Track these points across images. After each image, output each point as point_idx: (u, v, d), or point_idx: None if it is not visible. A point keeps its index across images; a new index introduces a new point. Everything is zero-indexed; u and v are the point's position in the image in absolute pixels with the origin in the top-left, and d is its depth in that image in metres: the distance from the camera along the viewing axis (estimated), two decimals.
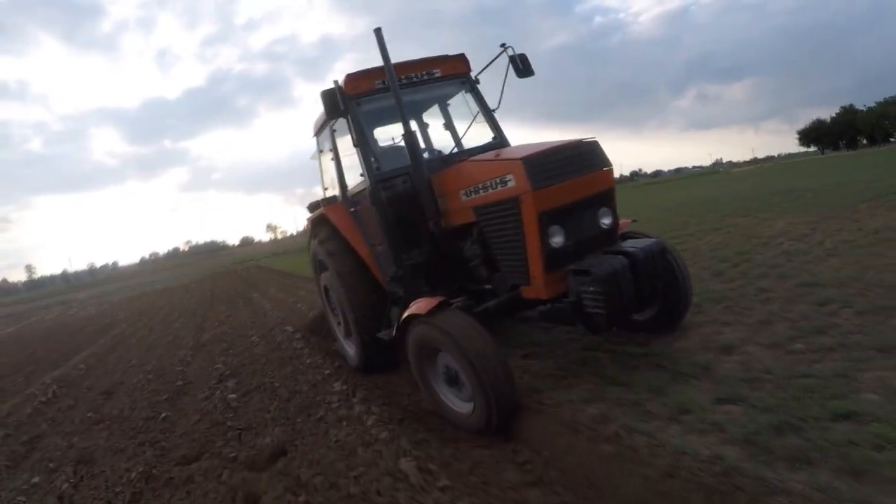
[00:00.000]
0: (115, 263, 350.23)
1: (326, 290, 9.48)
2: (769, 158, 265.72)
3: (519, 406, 5.38)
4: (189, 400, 8.70)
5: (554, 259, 5.68)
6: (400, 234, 7.19)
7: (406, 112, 6.67)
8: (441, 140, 8.76)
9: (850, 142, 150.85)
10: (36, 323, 38.53)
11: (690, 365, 5.78)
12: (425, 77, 7.83)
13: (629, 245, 5.93)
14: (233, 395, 8.26)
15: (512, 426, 5.19)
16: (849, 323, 6.19)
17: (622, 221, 6.47)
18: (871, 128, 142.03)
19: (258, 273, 46.27)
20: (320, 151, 9.60)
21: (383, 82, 7.30)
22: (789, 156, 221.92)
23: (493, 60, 7.54)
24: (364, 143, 7.38)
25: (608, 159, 6.09)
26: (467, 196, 6.41)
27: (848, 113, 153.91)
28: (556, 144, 5.89)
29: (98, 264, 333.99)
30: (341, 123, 7.84)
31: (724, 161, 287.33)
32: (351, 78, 7.42)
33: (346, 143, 7.96)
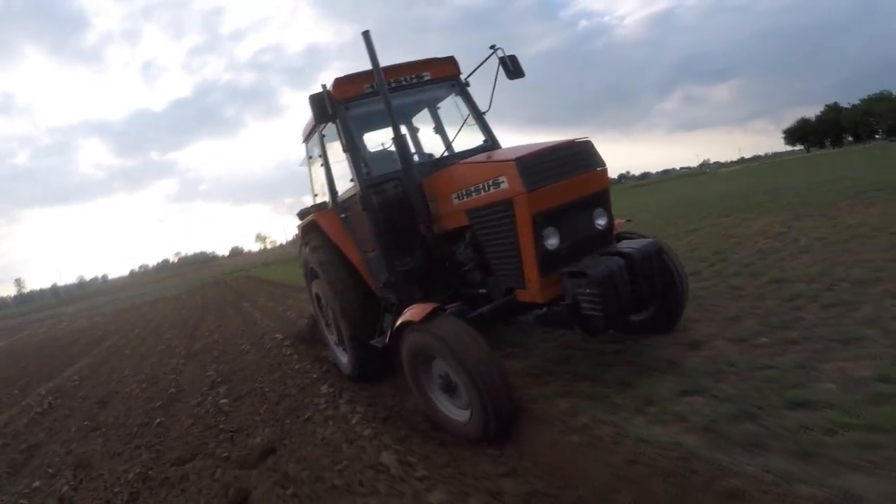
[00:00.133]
0: (104, 276, 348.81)
1: (318, 297, 9.36)
2: (756, 158, 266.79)
3: (517, 413, 5.34)
4: (182, 406, 8.92)
5: (549, 261, 5.60)
6: (392, 240, 7.08)
7: (396, 116, 6.59)
8: (431, 144, 8.65)
9: (836, 140, 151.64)
10: (27, 337, 38.45)
11: (659, 360, 6.07)
12: (414, 80, 7.74)
13: (625, 246, 5.92)
14: (224, 400, 8.51)
15: (511, 434, 5.14)
16: (814, 317, 6.45)
17: (617, 222, 6.40)
18: (856, 125, 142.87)
19: (248, 283, 46.41)
20: (309, 158, 9.45)
21: (372, 86, 7.26)
22: (776, 155, 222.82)
23: (482, 62, 7.46)
24: (354, 148, 7.30)
25: (602, 159, 6.01)
26: (459, 199, 6.31)
27: (833, 111, 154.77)
28: (549, 145, 5.80)
29: (87, 277, 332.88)
30: (330, 129, 7.73)
31: (712, 161, 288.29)
32: (339, 82, 7.31)
33: (335, 149, 7.95)
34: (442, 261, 7.00)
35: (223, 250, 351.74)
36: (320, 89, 6.82)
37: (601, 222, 5.93)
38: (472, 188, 6.05)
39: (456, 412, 5.58)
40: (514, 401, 5.31)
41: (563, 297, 5.61)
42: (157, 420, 8.28)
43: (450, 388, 5.51)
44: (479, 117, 7.95)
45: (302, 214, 9.59)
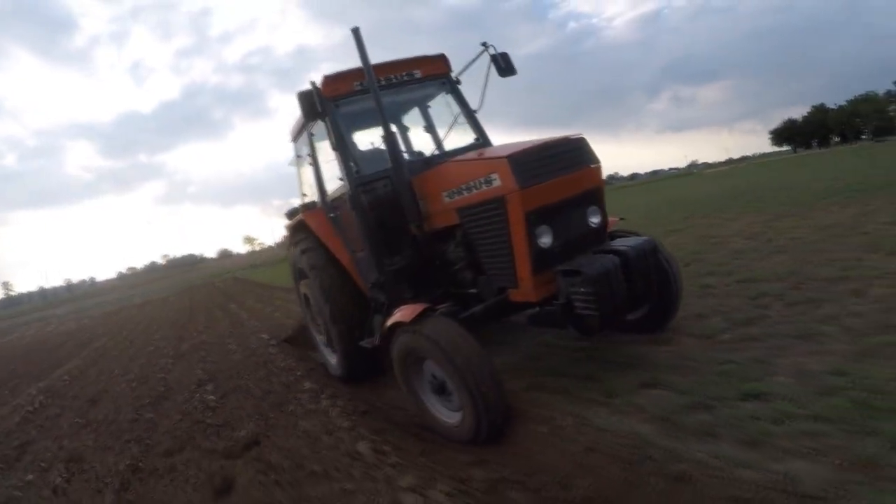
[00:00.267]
0: (92, 279, 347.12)
1: (306, 298, 9.24)
2: (744, 158, 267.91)
3: (510, 415, 5.24)
4: (170, 403, 9.10)
5: (542, 260, 5.52)
6: (381, 239, 6.98)
7: (385, 114, 6.48)
8: (421, 144, 8.52)
9: (822, 140, 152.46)
10: (15, 339, 38.48)
11: (624, 356, 6.39)
12: (405, 78, 7.65)
13: (620, 244, 5.83)
14: (211, 397, 8.70)
15: (503, 436, 5.10)
16: (777, 314, 6.76)
17: (610, 219, 6.30)
18: (842, 126, 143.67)
19: (236, 285, 46.38)
20: (298, 157, 9.31)
21: (362, 84, 7.15)
22: (764, 155, 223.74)
23: (474, 60, 7.42)
24: (343, 147, 7.16)
25: (596, 156, 5.92)
26: (450, 197, 6.20)
27: (819, 112, 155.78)
28: (542, 141, 5.70)
29: (75, 280, 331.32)
30: (319, 127, 7.66)
31: (700, 162, 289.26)
32: (328, 79, 7.20)
33: (324, 148, 7.88)
34: (432, 260, 6.91)
35: (211, 252, 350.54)
36: (309, 87, 6.70)
37: (595, 220, 5.89)
38: (464, 186, 5.96)
39: (447, 414, 5.50)
40: (507, 403, 5.20)
41: (556, 296, 5.55)
42: (147, 416, 8.47)
43: (441, 390, 5.42)
44: (470, 116, 7.90)
45: (290, 214, 9.49)
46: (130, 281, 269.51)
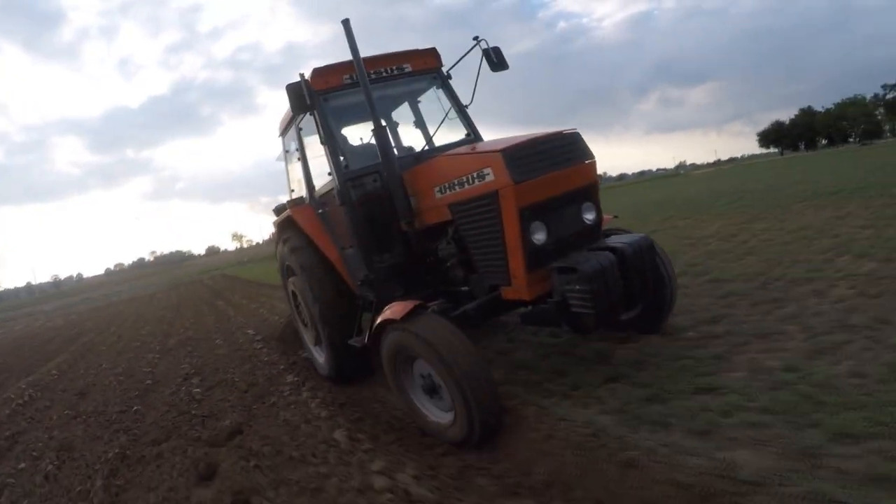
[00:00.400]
0: (79, 275, 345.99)
1: (294, 295, 9.00)
2: (732, 160, 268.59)
3: (502, 416, 5.15)
4: (157, 395, 9.36)
5: (536, 257, 5.39)
6: (371, 236, 6.84)
7: (376, 107, 6.34)
8: (411, 138, 8.46)
9: (809, 143, 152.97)
10: (3, 335, 38.41)
11: (591, 352, 6.63)
12: (395, 72, 7.49)
13: (615, 241, 5.70)
14: (197, 390, 8.97)
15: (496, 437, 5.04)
16: (741, 313, 7.03)
17: (605, 217, 6.17)
18: (829, 129, 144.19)
19: (223, 282, 46.48)
20: (286, 152, 9.23)
21: (352, 77, 7.03)
22: (752, 157, 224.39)
23: (465, 54, 7.27)
24: (332, 141, 7.03)
25: (591, 151, 5.82)
26: (442, 193, 6.07)
27: (806, 115, 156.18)
28: (536, 136, 5.58)
29: (62, 276, 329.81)
30: (308, 122, 7.54)
31: (688, 163, 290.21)
32: (318, 72, 7.04)
33: (313, 143, 7.73)
34: (423, 257, 6.81)
35: (199, 249, 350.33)
36: (298, 78, 6.55)
37: (590, 217, 5.81)
38: (456, 181, 5.83)
39: (438, 414, 5.40)
40: (500, 404, 5.14)
41: (550, 294, 5.45)
42: (134, 408, 8.73)
43: (432, 390, 5.31)
44: (461, 111, 7.80)
45: (278, 210, 9.32)
46: (118, 277, 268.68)
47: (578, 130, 5.79)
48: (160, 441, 6.95)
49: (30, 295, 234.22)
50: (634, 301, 5.71)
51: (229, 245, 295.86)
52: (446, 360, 4.83)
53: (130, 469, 6.27)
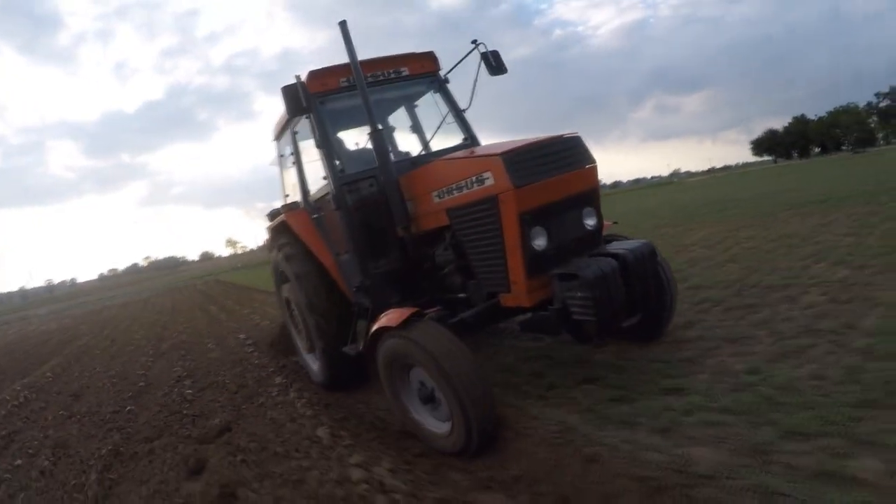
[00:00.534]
0: (73, 280, 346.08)
1: (288, 302, 8.91)
2: (726, 168, 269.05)
3: (499, 425, 5.09)
4: (150, 397, 9.61)
5: (536, 263, 5.27)
6: (366, 241, 6.73)
7: (373, 110, 6.23)
8: (407, 144, 8.44)
9: (803, 151, 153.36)
10: None
11: (570, 356, 6.88)
12: (392, 75, 7.38)
13: (617, 247, 5.59)
14: (189, 391, 9.25)
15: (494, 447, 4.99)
16: (714, 319, 7.24)
17: (605, 223, 6.03)
18: (822, 137, 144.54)
19: (217, 287, 46.59)
20: (281, 156, 9.05)
21: (348, 80, 6.91)
22: (746, 165, 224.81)
23: (464, 58, 7.20)
24: (327, 144, 6.92)
25: (592, 156, 5.67)
26: (440, 198, 5.96)
27: (800, 123, 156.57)
28: (537, 140, 5.43)
29: (56, 280, 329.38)
30: (303, 126, 7.41)
31: (682, 171, 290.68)
32: (314, 75, 6.95)
33: (308, 147, 7.62)
34: (419, 263, 6.71)
35: (193, 255, 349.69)
36: (294, 80, 6.43)
37: (591, 222, 5.66)
38: (454, 185, 5.72)
39: (435, 424, 5.30)
40: (498, 414, 5.05)
41: (551, 301, 5.34)
42: (128, 408, 8.99)
43: (429, 399, 5.22)
44: (459, 115, 7.68)
45: (272, 215, 9.22)
46: (111, 282, 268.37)
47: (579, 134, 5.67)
48: (152, 439, 7.21)
49: (23, 299, 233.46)
50: (636, 308, 5.50)
51: (224, 251, 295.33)
52: (445, 368, 4.74)
53: (123, 465, 6.54)
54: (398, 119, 8.60)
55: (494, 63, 7.15)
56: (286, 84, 6.36)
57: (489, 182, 5.28)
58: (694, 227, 17.58)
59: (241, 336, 14.18)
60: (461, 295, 6.28)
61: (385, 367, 5.55)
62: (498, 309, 5.80)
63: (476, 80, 7.11)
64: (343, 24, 6.20)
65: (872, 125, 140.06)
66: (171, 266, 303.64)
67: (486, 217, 5.41)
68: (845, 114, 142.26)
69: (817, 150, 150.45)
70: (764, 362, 5.53)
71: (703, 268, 10.69)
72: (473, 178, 5.46)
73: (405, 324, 5.10)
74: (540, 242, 5.26)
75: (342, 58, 6.43)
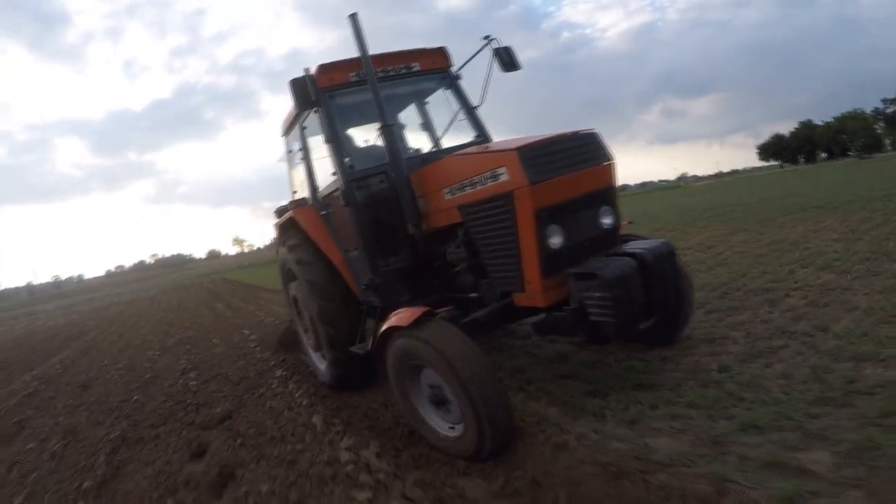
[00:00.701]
0: (80, 276, 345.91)
1: (295, 300, 8.71)
2: (734, 172, 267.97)
3: (514, 431, 4.92)
4: (157, 387, 10.00)
5: (552, 262, 5.08)
6: (376, 238, 6.55)
7: (384, 106, 6.06)
8: (417, 141, 8.11)
9: (809, 156, 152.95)
10: (5, 332, 38.97)
11: (552, 353, 7.19)
12: (403, 71, 7.19)
13: (635, 246, 5.40)
14: (193, 382, 9.65)
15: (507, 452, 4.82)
16: (694, 321, 7.32)
17: (621, 223, 5.83)
18: (829, 142, 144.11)
19: (223, 285, 46.90)
20: (289, 152, 8.86)
21: (358, 74, 6.76)
22: (754, 169, 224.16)
23: (476, 53, 7.05)
24: (337, 140, 6.77)
25: (609, 153, 5.50)
26: (452, 194, 5.78)
27: (806, 128, 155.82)
28: (553, 135, 5.28)
29: (63, 277, 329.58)
30: (312, 121, 7.28)
31: (689, 175, 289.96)
32: (324, 69, 6.78)
33: (316, 143, 7.47)
34: (430, 261, 6.57)
35: (200, 253, 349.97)
36: (303, 73, 6.33)
37: (607, 221, 5.49)
38: (467, 182, 5.54)
39: (446, 427, 5.12)
40: (512, 418, 4.89)
41: (566, 301, 5.11)
42: (135, 398, 9.38)
43: (440, 401, 5.06)
44: (471, 112, 7.49)
45: (280, 212, 8.95)
46: (118, 279, 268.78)
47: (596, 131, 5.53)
48: (158, 425, 7.62)
49: (30, 295, 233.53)
50: (654, 310, 5.35)
51: (230, 249, 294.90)
52: (457, 370, 4.57)
53: (130, 448, 6.94)
54: (408, 117, 8.29)
55: (507, 59, 7.03)
56: (295, 77, 6.25)
57: (504, 178, 5.10)
58: (692, 231, 17.84)
59: (246, 331, 14.52)
60: (473, 294, 6.12)
61: (394, 368, 5.37)
62: (511, 309, 5.58)
63: (488, 76, 6.98)
64: (354, 17, 6.04)
65: (879, 131, 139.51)
66: (178, 264, 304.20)
67: (500, 214, 5.23)
68: (852, 119, 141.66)
69: (824, 155, 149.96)
70: (736, 361, 5.79)
71: (694, 271, 10.70)
72: (488, 174, 5.28)
73: (416, 323, 4.93)
74: (555, 241, 5.09)
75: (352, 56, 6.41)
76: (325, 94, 6.65)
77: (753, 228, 15.83)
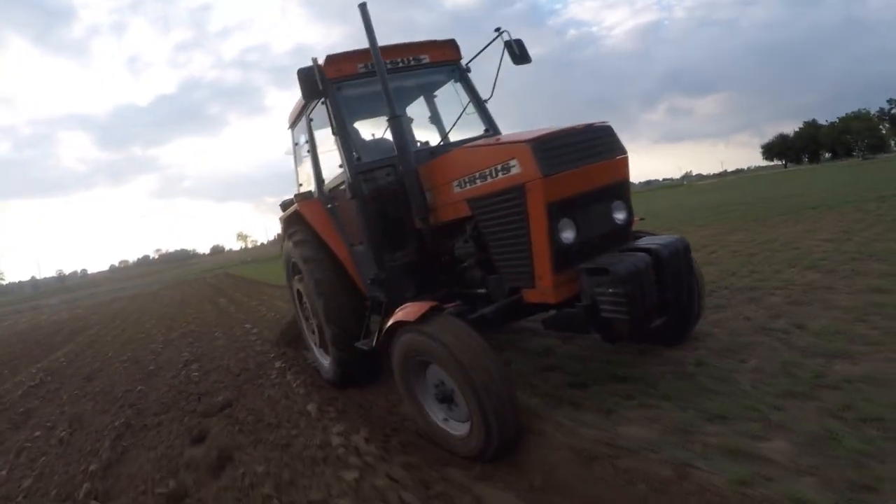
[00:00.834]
0: (84, 271, 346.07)
1: (300, 295, 8.58)
2: (738, 171, 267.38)
3: (522, 430, 4.83)
4: (160, 379, 10.30)
5: (563, 257, 4.96)
6: (382, 232, 6.49)
7: (392, 97, 5.97)
8: (426, 134, 7.97)
9: (813, 156, 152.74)
10: (10, 326, 39.16)
11: (538, 347, 7.48)
12: (412, 62, 7.10)
13: (649, 242, 5.29)
14: (195, 374, 9.94)
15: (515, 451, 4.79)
16: None
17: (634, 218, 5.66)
18: (833, 142, 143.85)
19: (227, 280, 47.10)
20: (296, 145, 8.77)
21: (367, 66, 6.70)
22: (758, 168, 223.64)
23: (487, 45, 6.84)
24: (344, 132, 6.67)
25: (623, 146, 5.37)
26: (461, 187, 5.65)
27: (811, 128, 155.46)
28: (566, 127, 5.14)
29: (67, 271, 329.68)
30: (319, 114, 7.18)
31: (694, 174, 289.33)
32: (332, 59, 6.67)
33: (323, 136, 7.45)
34: (437, 256, 6.48)
35: (204, 248, 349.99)
36: (311, 62, 6.19)
37: (620, 216, 5.36)
38: (478, 174, 5.41)
39: (453, 425, 5.04)
40: (520, 417, 4.79)
41: (578, 297, 5.02)
42: (138, 388, 9.68)
43: (446, 399, 4.96)
44: (480, 105, 7.41)
45: (285, 205, 8.91)
46: (122, 274, 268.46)
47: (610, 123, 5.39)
48: (160, 413, 7.93)
49: (34, 289, 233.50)
50: (667, 308, 5.18)
51: (234, 245, 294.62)
52: (465, 367, 4.48)
53: (134, 435, 7.25)
54: (415, 111, 8.15)
55: (518, 52, 6.86)
56: (303, 66, 6.13)
57: (515, 170, 4.97)
58: (688, 231, 17.81)
59: (247, 325, 14.79)
60: (481, 290, 6.01)
61: (400, 365, 5.28)
62: (520, 305, 5.49)
63: (499, 69, 6.77)
64: (363, 7, 5.94)
65: (884, 131, 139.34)
66: (182, 259, 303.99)
67: (511, 207, 5.12)
68: (857, 120, 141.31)
69: (828, 155, 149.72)
70: (712, 356, 5.98)
71: None
72: (499, 167, 5.14)
73: (423, 318, 4.84)
74: (568, 235, 4.98)
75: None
76: (332, 85, 6.61)
77: (749, 228, 15.99)
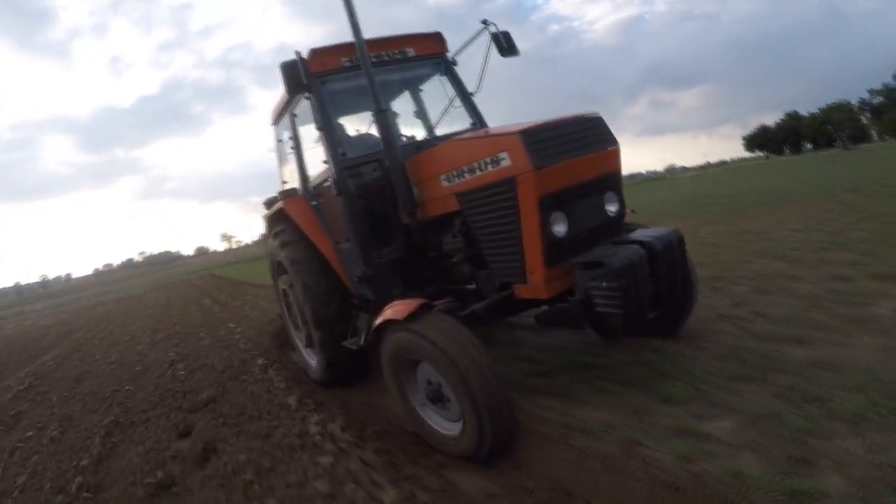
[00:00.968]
0: (68, 275, 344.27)
1: (285, 294, 8.45)
2: (722, 163, 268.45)
3: (516, 428, 4.83)
4: (146, 378, 10.54)
5: (555, 251, 4.89)
6: (369, 229, 6.40)
7: (378, 91, 5.83)
8: (411, 130, 7.73)
9: (795, 147, 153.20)
10: None
11: (508, 338, 7.88)
12: (397, 56, 6.96)
13: (642, 234, 5.23)
14: (181, 373, 10.19)
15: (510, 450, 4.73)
16: None
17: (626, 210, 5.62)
18: (814, 133, 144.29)
19: (211, 281, 47.10)
20: (279, 141, 8.60)
21: (351, 60, 6.59)
22: (742, 160, 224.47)
23: (473, 38, 6.84)
24: (328, 127, 6.53)
25: (614, 137, 5.30)
26: (449, 181, 5.53)
27: (792, 119, 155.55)
28: (556, 119, 5.07)
29: (51, 276, 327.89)
30: (303, 109, 7.01)
31: (677, 166, 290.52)
32: (316, 53, 6.52)
33: (307, 132, 7.26)
34: (425, 252, 6.34)
35: (188, 250, 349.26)
36: (294, 56, 6.08)
37: (612, 209, 5.32)
38: (466, 168, 5.29)
39: (445, 425, 4.94)
40: (514, 416, 4.75)
41: (570, 292, 4.96)
42: (126, 388, 9.93)
43: (437, 398, 4.86)
44: (467, 99, 7.33)
45: (269, 203, 8.69)
46: (107, 277, 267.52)
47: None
48: (148, 410, 8.20)
49: (18, 295, 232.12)
50: (661, 301, 5.12)
51: (219, 245, 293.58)
52: (456, 364, 4.38)
53: (123, 431, 7.52)
54: (401, 105, 7.99)
55: (506, 44, 6.80)
56: (286, 60, 6.01)
57: (506, 163, 4.87)
58: (664, 224, 18.01)
59: (232, 325, 15.02)
60: (470, 286, 5.92)
61: (389, 364, 5.18)
62: (511, 301, 5.39)
63: (486, 62, 6.78)
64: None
65: (865, 122, 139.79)
66: (167, 261, 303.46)
67: (501, 201, 5.02)
68: (838, 110, 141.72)
69: (809, 146, 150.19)
70: (670, 343, 6.25)
71: None
72: (488, 160, 5.03)
73: (412, 316, 4.73)
74: (559, 229, 4.91)
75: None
76: (316, 80, 6.45)
77: (723, 220, 16.43)
